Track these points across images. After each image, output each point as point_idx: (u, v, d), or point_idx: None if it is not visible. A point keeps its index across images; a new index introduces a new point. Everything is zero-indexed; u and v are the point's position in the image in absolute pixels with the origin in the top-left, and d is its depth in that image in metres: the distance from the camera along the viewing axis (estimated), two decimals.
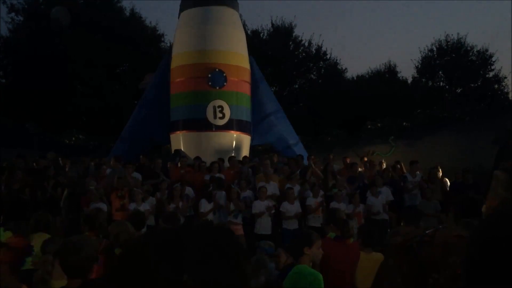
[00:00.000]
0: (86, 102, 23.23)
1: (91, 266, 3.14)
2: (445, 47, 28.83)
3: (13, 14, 26.50)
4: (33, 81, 23.01)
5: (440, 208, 10.80)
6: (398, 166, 12.92)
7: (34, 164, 12.35)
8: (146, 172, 11.97)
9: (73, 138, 22.88)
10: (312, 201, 10.62)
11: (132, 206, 9.83)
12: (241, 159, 13.57)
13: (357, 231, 6.75)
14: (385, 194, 11.03)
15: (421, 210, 10.82)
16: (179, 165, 12.54)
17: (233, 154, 13.73)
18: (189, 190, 11.10)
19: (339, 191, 10.79)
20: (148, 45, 27.67)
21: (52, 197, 10.62)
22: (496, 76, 28.29)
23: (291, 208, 10.40)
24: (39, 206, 9.94)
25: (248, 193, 10.96)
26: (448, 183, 11.99)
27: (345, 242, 5.82)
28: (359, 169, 12.68)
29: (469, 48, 28.42)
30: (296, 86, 30.66)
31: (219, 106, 14.58)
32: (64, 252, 3.12)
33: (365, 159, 14.02)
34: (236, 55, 15.25)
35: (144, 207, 9.76)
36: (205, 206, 10.47)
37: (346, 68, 31.46)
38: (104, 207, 9.61)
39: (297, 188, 11.12)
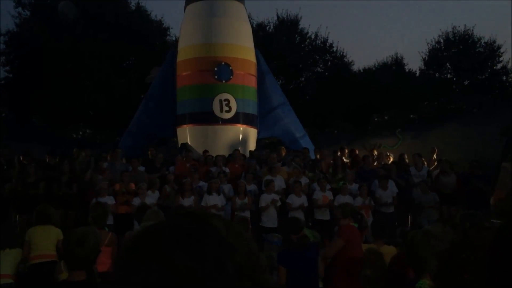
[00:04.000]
0: (92, 96, 23.29)
1: (95, 257, 3.15)
2: (452, 39, 28.62)
3: (20, 9, 26.56)
4: (39, 75, 23.08)
5: (438, 199, 10.75)
6: (405, 158, 12.88)
7: (47, 158, 12.40)
8: (149, 166, 12.00)
9: (80, 132, 23.01)
10: (319, 195, 10.60)
11: (136, 200, 9.81)
12: (247, 152, 13.57)
13: (370, 225, 6.79)
14: (391, 187, 10.98)
15: (420, 203, 10.88)
16: (184, 159, 12.54)
17: (239, 148, 13.72)
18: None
19: (345, 185, 10.77)
20: (154, 39, 27.65)
21: (66, 192, 10.65)
22: (504, 67, 28.05)
23: (298, 200, 10.40)
24: (54, 200, 10.00)
25: (252, 186, 10.97)
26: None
27: (362, 234, 5.93)
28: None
29: (476, 40, 28.19)
30: (303, 79, 30.56)
31: (225, 100, 14.58)
32: (69, 244, 3.10)
33: (375, 151, 13.99)
34: (242, 48, 15.22)
35: (149, 200, 9.76)
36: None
37: (352, 61, 31.27)
38: (110, 201, 9.63)
39: (304, 180, 11.11)
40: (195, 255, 0.72)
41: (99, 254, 3.22)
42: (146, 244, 0.76)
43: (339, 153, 13.23)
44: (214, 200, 10.31)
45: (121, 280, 0.75)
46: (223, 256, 0.75)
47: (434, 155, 12.95)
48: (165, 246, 0.73)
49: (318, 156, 13.27)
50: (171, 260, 0.72)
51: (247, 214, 10.27)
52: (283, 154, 13.26)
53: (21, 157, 12.11)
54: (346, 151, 13.56)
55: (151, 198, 10.08)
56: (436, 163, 12.64)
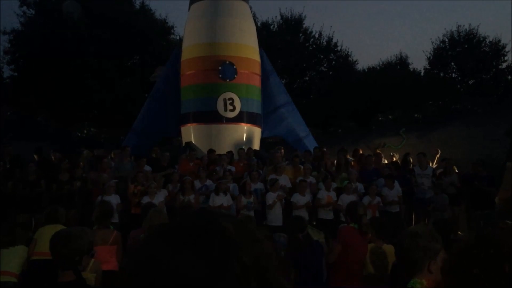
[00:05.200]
0: (97, 95, 23.32)
1: (80, 259, 3.12)
2: (457, 38, 28.52)
3: (24, 8, 26.63)
4: (44, 74, 23.13)
5: (448, 202, 10.71)
6: (409, 158, 12.86)
7: (52, 157, 12.42)
8: (155, 165, 12.00)
9: (85, 131, 23.04)
10: (323, 195, 10.56)
11: (145, 199, 9.85)
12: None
13: (369, 223, 6.75)
14: (396, 186, 10.95)
15: (431, 203, 10.81)
16: (188, 158, 12.53)
17: (243, 147, 13.71)
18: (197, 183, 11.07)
19: (349, 184, 10.72)
20: (158, 38, 27.67)
21: (67, 190, 10.66)
22: (509, 67, 27.93)
23: (302, 199, 10.37)
24: (54, 199, 10.02)
25: (259, 185, 10.95)
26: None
27: (364, 236, 5.91)
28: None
29: (481, 39, 28.08)
30: (307, 78, 30.53)
31: (229, 99, 14.58)
32: (54, 244, 3.08)
33: (378, 150, 13.96)
34: (247, 47, 15.22)
35: (158, 199, 9.80)
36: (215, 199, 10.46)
37: (357, 60, 31.28)
38: (114, 200, 9.63)
39: (311, 180, 11.08)
40: (200, 255, 0.73)
41: (84, 255, 3.18)
42: (152, 245, 0.76)
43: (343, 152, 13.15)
44: (221, 200, 10.30)
45: (128, 280, 0.75)
46: (229, 256, 0.75)
47: (437, 156, 12.95)
48: (171, 245, 0.74)
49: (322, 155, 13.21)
50: (176, 260, 0.72)
51: (251, 213, 10.26)
52: (282, 153, 13.17)
53: (35, 156, 12.21)
54: (348, 156, 13.29)
55: (160, 197, 10.10)
56: (439, 163, 12.63)
